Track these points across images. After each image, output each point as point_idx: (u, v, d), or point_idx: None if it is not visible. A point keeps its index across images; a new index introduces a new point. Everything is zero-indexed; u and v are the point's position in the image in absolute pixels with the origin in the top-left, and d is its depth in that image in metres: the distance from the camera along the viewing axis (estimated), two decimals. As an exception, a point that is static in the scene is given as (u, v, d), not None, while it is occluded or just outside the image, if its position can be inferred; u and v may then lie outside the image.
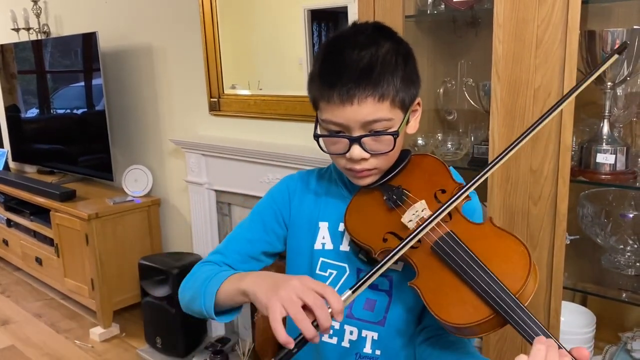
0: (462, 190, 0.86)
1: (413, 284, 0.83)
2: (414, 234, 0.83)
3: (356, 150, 0.89)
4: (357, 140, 0.89)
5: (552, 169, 1.30)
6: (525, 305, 0.75)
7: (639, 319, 1.54)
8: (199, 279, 1.00)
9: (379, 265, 0.82)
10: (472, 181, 0.87)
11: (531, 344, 0.72)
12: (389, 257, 0.82)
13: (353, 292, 0.80)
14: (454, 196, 0.86)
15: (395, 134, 0.89)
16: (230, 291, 0.91)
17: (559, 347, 0.70)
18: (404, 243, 0.83)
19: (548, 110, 0.90)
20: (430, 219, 0.84)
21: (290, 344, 0.75)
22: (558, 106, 0.90)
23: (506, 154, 0.87)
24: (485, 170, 0.86)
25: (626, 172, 1.35)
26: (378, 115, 0.88)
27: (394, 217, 0.92)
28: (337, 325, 0.99)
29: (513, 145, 0.87)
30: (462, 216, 0.89)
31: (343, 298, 0.79)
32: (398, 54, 0.90)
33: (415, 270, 0.85)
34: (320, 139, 0.95)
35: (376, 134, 0.89)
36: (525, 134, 0.88)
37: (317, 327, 0.76)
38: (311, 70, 0.96)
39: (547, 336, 0.72)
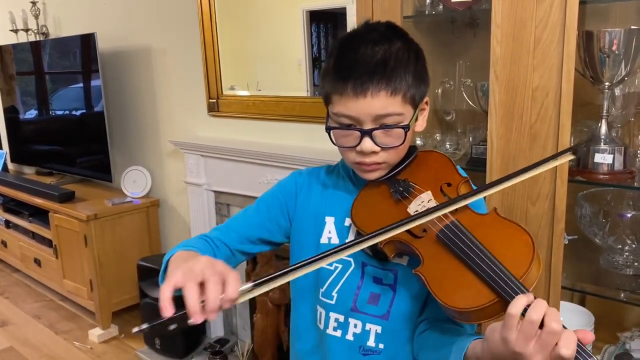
0: (473, 193, 0.88)
1: (418, 272, 0.84)
2: (411, 218, 0.84)
3: (367, 143, 0.91)
4: (368, 133, 0.90)
5: (551, 169, 1.30)
6: (530, 290, 0.75)
7: (637, 318, 1.54)
8: (179, 246, 1.02)
9: (349, 243, 0.82)
10: (486, 186, 0.89)
11: None
12: (373, 234, 0.83)
13: (254, 285, 0.77)
14: (463, 196, 0.87)
15: (406, 128, 0.91)
16: (173, 259, 0.93)
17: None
18: (399, 223, 0.83)
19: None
20: (436, 208, 0.85)
21: (169, 310, 0.72)
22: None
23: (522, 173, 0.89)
24: (494, 186, 0.88)
25: (624, 171, 1.35)
26: (390, 110, 0.89)
27: (400, 208, 0.93)
28: (341, 319, 1.00)
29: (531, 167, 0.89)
30: (468, 207, 0.90)
31: (242, 287, 0.76)
32: (410, 51, 0.93)
33: (421, 258, 0.86)
34: (332, 133, 0.96)
35: (387, 127, 0.91)
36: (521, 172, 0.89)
37: (203, 307, 0.72)
38: (324, 66, 0.98)
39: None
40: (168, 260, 0.96)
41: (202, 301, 0.72)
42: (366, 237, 0.83)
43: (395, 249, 0.91)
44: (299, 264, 0.80)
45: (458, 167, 0.99)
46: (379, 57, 0.89)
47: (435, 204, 0.88)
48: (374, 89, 0.88)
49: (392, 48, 0.91)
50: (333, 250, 0.82)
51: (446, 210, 0.86)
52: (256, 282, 0.77)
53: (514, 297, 0.73)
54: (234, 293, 0.74)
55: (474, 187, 0.95)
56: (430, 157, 1.01)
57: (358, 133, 0.91)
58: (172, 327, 0.72)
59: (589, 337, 0.70)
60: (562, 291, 1.36)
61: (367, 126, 0.90)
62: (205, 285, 0.73)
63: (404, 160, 0.99)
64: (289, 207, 1.08)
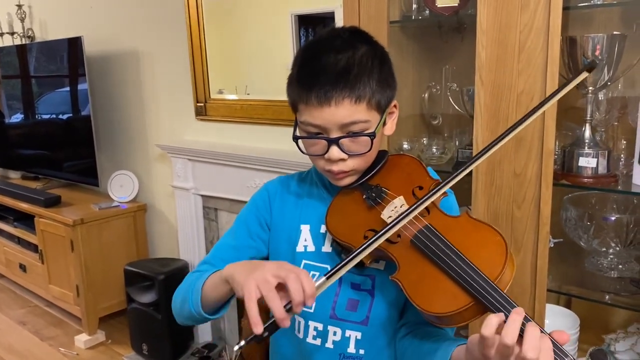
0: (441, 185, 0.87)
1: (395, 278, 0.84)
2: (393, 223, 0.84)
3: (334, 151, 0.92)
4: (335, 142, 0.91)
5: (536, 172, 1.31)
6: (505, 291, 0.76)
7: (622, 321, 1.56)
8: (186, 284, 1.01)
9: (356, 251, 0.82)
10: (452, 176, 0.88)
11: None
12: (367, 243, 0.82)
13: (327, 278, 0.80)
14: (431, 191, 0.87)
15: (372, 135, 0.92)
16: (214, 282, 0.92)
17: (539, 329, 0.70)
18: (383, 231, 0.83)
19: (533, 109, 0.91)
20: (409, 210, 0.85)
21: (260, 326, 0.74)
22: (540, 107, 0.92)
23: (487, 151, 0.88)
24: (464, 167, 0.87)
25: (608, 175, 1.36)
26: (355, 117, 0.90)
27: (373, 214, 0.93)
28: (320, 327, 1.00)
29: (494, 142, 0.88)
30: (440, 211, 0.90)
31: (317, 284, 0.79)
32: (374, 57, 0.93)
33: (397, 264, 0.86)
34: (300, 141, 0.97)
35: (354, 135, 0.91)
36: (508, 132, 0.89)
37: (289, 310, 0.76)
38: (290, 73, 0.98)
39: (529, 319, 0.72)
40: (192, 291, 0.96)
41: (287, 304, 0.76)
42: (353, 254, 0.83)
43: (372, 256, 0.90)
44: (364, 247, 0.81)
45: (429, 169, 0.99)
46: (342, 64, 0.89)
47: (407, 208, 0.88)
48: (337, 97, 0.88)
49: (356, 54, 0.91)
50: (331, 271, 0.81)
51: (418, 211, 0.85)
52: (327, 274, 0.80)
53: (489, 299, 0.74)
54: (311, 289, 0.77)
55: (448, 191, 0.95)
56: (402, 161, 1.01)
57: (325, 142, 0.92)
58: (265, 334, 0.76)
59: (565, 337, 0.71)
60: (548, 294, 1.37)
61: (334, 134, 0.91)
62: (286, 283, 0.76)
63: (376, 165, 0.99)
64: (266, 218, 1.08)
